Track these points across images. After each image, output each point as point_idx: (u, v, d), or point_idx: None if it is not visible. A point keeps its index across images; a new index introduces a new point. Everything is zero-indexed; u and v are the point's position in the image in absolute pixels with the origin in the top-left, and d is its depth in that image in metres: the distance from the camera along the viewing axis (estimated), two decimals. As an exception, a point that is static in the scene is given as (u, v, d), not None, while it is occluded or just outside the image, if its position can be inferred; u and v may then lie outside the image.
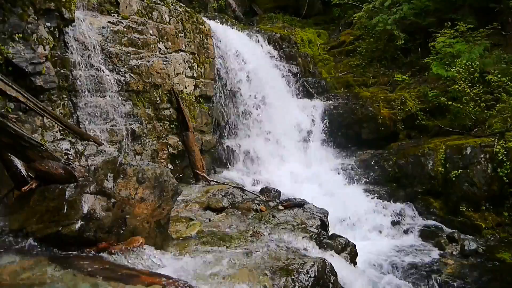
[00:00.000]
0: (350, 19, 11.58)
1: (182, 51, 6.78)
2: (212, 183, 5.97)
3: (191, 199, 5.03)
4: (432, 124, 7.89)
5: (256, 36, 9.32)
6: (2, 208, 3.28)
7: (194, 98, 7.04)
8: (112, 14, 5.66)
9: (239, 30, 9.06)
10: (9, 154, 3.22)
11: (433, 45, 8.21)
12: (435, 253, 5.67)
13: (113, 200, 3.00)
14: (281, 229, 4.05)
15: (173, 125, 6.42)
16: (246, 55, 8.13)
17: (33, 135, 3.61)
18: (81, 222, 2.85)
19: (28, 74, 4.32)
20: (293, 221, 4.31)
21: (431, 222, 6.45)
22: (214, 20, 8.72)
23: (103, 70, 5.22)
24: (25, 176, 3.25)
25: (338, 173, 7.50)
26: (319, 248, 3.97)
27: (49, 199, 3.05)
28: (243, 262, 3.10)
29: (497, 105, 6.94)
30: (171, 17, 6.59)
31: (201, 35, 7.31)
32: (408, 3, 9.20)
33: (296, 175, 7.32)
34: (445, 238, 5.94)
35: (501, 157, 6.15)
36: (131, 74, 5.65)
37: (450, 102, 7.39)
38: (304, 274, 2.98)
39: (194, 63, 7.06)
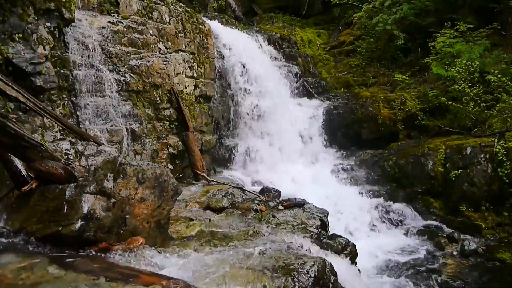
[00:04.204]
0: (350, 19, 11.57)
1: (182, 51, 6.78)
2: (212, 183, 5.97)
3: (191, 199, 5.02)
4: (432, 124, 7.89)
5: (256, 36, 9.32)
6: (2, 208, 3.27)
7: (194, 98, 7.04)
8: (112, 14, 5.66)
9: (239, 30, 9.08)
10: (9, 154, 3.22)
11: (433, 45, 8.21)
12: (435, 253, 5.67)
13: (113, 200, 2.99)
14: (281, 229, 4.04)
15: (173, 125, 6.42)
16: (246, 54, 8.13)
17: (33, 135, 3.60)
18: (81, 222, 2.85)
19: (28, 74, 4.31)
20: (293, 221, 4.31)
21: (431, 222, 6.46)
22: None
23: (103, 70, 5.22)
24: (25, 176, 3.24)
25: (338, 173, 7.50)
26: (319, 248, 3.97)
27: (49, 199, 3.05)
28: (243, 262, 3.10)
29: (497, 105, 6.95)
30: (171, 17, 6.59)
31: (201, 35, 7.31)
32: (408, 3, 9.20)
33: (296, 175, 7.32)
34: (445, 238, 5.95)
35: (501, 157, 6.15)
36: (131, 74, 5.64)
37: (450, 102, 7.40)
38: (304, 274, 2.97)
39: (194, 63, 7.06)
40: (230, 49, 7.96)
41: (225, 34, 8.17)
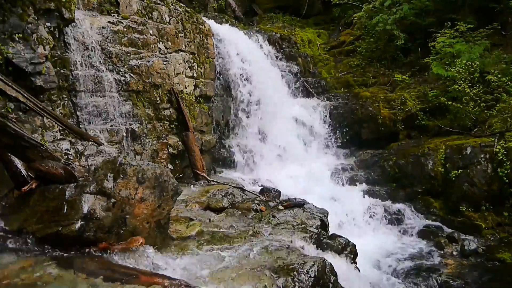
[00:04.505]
0: (350, 19, 11.58)
1: (182, 51, 6.78)
2: (212, 183, 5.97)
3: (191, 199, 5.03)
4: (432, 124, 7.89)
5: (256, 36, 9.32)
6: (2, 208, 3.27)
7: (194, 98, 7.04)
8: (112, 14, 5.66)
9: (240, 30, 9.08)
10: (9, 154, 3.22)
11: (433, 45, 8.21)
12: (435, 253, 5.67)
13: (113, 200, 2.99)
14: (281, 229, 4.05)
15: (173, 125, 6.42)
16: (246, 54, 8.13)
17: (33, 135, 3.60)
18: (81, 222, 2.85)
19: (28, 74, 4.31)
20: (293, 221, 4.31)
21: (431, 222, 6.45)
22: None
23: (103, 70, 5.22)
24: (25, 176, 3.24)
25: (338, 173, 7.50)
26: (319, 248, 3.97)
27: (49, 199, 3.05)
28: (243, 262, 3.10)
29: (497, 105, 6.95)
30: (171, 17, 6.59)
31: (201, 35, 7.31)
32: (408, 3, 9.20)
33: (296, 175, 7.32)
34: (445, 238, 5.95)
35: (501, 157, 6.15)
36: (131, 74, 5.64)
37: (450, 102, 7.40)
38: (304, 274, 2.97)
39: (194, 63, 7.06)
40: (228, 50, 7.96)
41: (227, 34, 8.17)
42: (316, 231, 4.17)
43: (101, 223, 2.91)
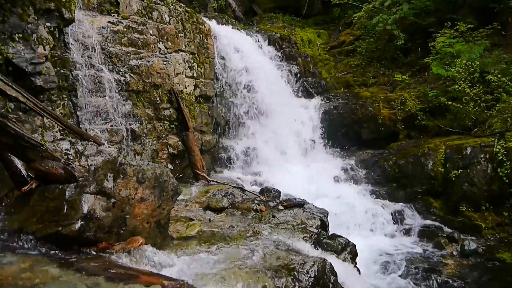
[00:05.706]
0: (350, 19, 11.57)
1: (182, 51, 6.78)
2: (212, 183, 5.97)
3: (191, 199, 5.02)
4: (432, 124, 7.90)
5: (256, 36, 9.32)
6: (2, 208, 3.27)
7: (194, 98, 7.04)
8: (112, 14, 5.66)
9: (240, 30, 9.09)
10: (9, 154, 3.22)
11: (433, 45, 8.21)
12: (435, 253, 5.67)
13: (113, 200, 2.99)
14: (281, 229, 4.05)
15: (173, 125, 6.42)
16: (246, 55, 8.13)
17: (33, 135, 3.60)
18: (81, 222, 2.84)
19: (28, 74, 4.31)
20: (293, 221, 4.31)
21: (431, 222, 6.46)
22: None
23: (103, 70, 5.22)
24: (25, 176, 3.24)
25: (338, 173, 7.50)
26: (319, 248, 3.97)
27: (49, 199, 3.05)
28: (243, 262, 3.10)
29: (497, 105, 6.95)
30: (171, 17, 6.59)
31: (201, 35, 7.31)
32: (408, 3, 9.20)
33: (296, 175, 7.32)
34: (445, 238, 5.95)
35: (501, 157, 6.15)
36: (131, 74, 5.64)
37: (450, 102, 7.40)
38: (304, 274, 2.97)
39: (194, 63, 7.06)
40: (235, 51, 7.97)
41: (227, 35, 8.17)
42: (316, 231, 4.17)
43: (101, 223, 2.91)
